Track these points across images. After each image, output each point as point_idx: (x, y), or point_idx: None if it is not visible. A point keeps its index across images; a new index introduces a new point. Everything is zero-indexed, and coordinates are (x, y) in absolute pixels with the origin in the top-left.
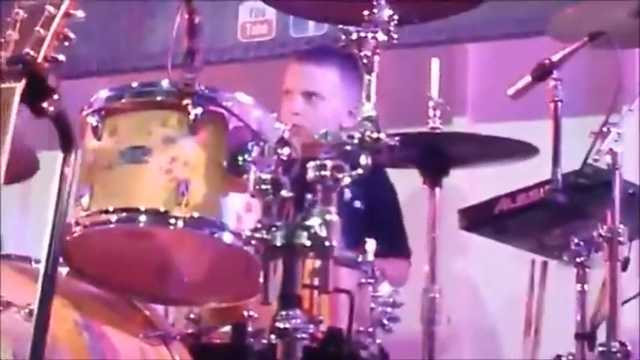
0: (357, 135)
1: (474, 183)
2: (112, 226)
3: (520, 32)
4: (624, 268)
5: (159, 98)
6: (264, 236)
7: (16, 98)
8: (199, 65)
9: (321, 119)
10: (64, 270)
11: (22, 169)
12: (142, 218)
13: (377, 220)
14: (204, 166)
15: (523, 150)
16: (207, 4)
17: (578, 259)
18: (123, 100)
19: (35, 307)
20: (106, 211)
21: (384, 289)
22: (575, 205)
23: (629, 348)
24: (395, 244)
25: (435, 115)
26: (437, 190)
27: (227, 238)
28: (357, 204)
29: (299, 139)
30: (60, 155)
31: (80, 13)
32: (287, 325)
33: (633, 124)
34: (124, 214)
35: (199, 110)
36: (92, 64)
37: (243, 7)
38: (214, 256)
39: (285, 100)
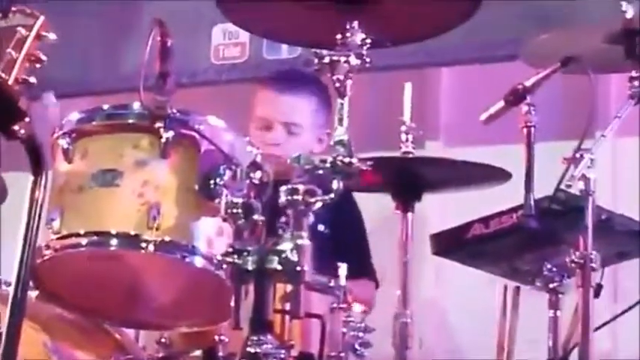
0: (330, 159)
1: (447, 208)
2: (82, 249)
3: (493, 57)
4: (597, 294)
5: (130, 121)
6: (236, 260)
7: None
8: (171, 88)
9: (299, 148)
10: (33, 293)
11: None
12: (113, 242)
13: (342, 244)
14: (175, 189)
15: (496, 175)
16: (181, 26)
17: (550, 285)
18: (94, 123)
19: (4, 330)
20: (77, 235)
21: (356, 308)
22: (547, 231)
23: None
24: (361, 267)
25: (407, 140)
26: (409, 214)
27: (198, 262)
28: (321, 227)
29: (275, 167)
30: (28, 176)
31: (52, 36)
32: (258, 350)
33: (606, 150)
34: (95, 237)
35: (171, 133)
36: (64, 85)
37: (217, 30)
38: (185, 280)
39: (259, 128)
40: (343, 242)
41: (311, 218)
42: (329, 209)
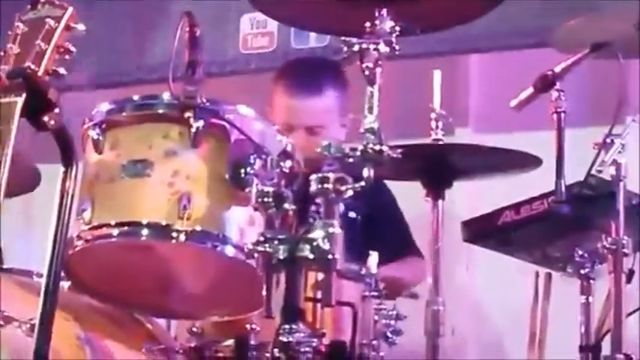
0: (360, 147)
1: (477, 195)
2: (113, 240)
3: (522, 43)
4: (629, 279)
5: (160, 111)
6: (267, 249)
7: (17, 112)
8: (201, 78)
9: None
10: (65, 284)
11: (24, 182)
12: (144, 232)
13: (377, 229)
14: (206, 179)
15: (526, 161)
16: (209, 16)
17: (582, 271)
18: (124, 113)
19: (37, 321)
20: (108, 225)
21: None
22: (579, 217)
23: None
24: (403, 246)
25: (437, 127)
26: (440, 202)
27: (229, 251)
28: (352, 214)
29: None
30: (60, 168)
31: (81, 27)
32: (290, 339)
33: (636, 135)
34: (126, 227)
35: (201, 123)
36: (94, 76)
37: (245, 19)
38: (217, 269)
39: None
40: (380, 226)
41: (341, 205)
42: (361, 197)
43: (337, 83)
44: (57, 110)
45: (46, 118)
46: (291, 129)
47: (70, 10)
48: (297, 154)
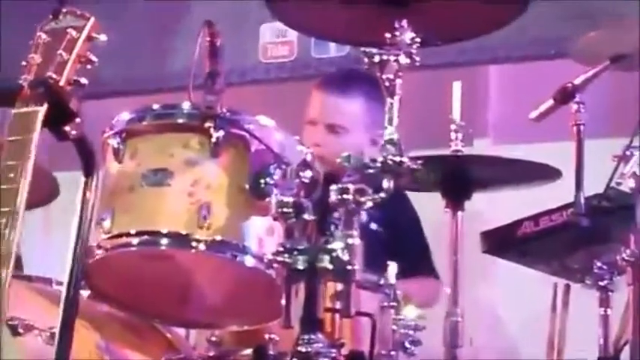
0: (380, 158)
1: (496, 206)
2: (133, 249)
3: (541, 54)
4: None
5: (180, 121)
6: (286, 260)
7: (39, 122)
8: (221, 87)
9: (342, 149)
10: (85, 293)
11: (43, 193)
12: (164, 241)
13: (398, 242)
14: (226, 189)
15: (546, 173)
16: (229, 24)
17: (600, 283)
18: (144, 123)
19: (58, 330)
20: (128, 234)
21: (410, 313)
22: (598, 229)
23: None
24: (419, 264)
25: (457, 138)
26: (459, 213)
27: (249, 261)
28: (374, 226)
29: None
30: (78, 175)
31: (103, 37)
32: (309, 349)
33: None
34: (146, 237)
35: (221, 133)
36: (113, 84)
37: (265, 28)
38: (236, 279)
39: (308, 129)
40: (400, 241)
41: (364, 217)
42: (383, 209)
43: (369, 95)
44: (78, 120)
45: (67, 128)
46: (314, 123)
47: (92, 20)
48: (317, 164)
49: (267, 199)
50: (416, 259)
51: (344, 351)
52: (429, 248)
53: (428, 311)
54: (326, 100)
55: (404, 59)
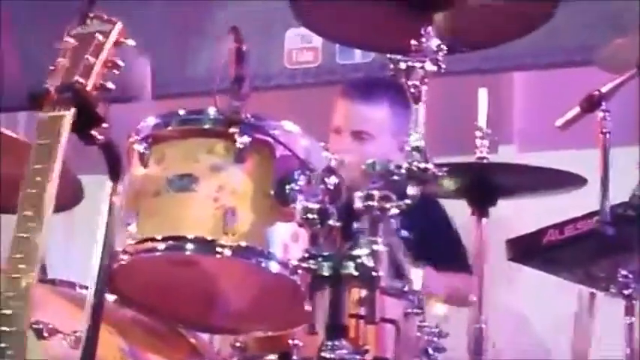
0: (405, 165)
1: (522, 213)
2: (158, 254)
3: (567, 61)
4: None
5: (206, 126)
6: (311, 266)
7: (66, 126)
8: (246, 93)
9: (369, 156)
10: (110, 297)
11: (68, 197)
12: (189, 247)
13: (433, 246)
14: (251, 194)
15: (571, 180)
16: (254, 30)
17: (625, 292)
18: (170, 128)
19: (83, 334)
20: (153, 239)
21: (438, 310)
22: (623, 237)
23: None
24: (458, 263)
25: (482, 145)
26: (484, 220)
27: (274, 267)
28: (404, 233)
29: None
30: (101, 179)
31: (130, 42)
32: (333, 355)
33: None
34: (171, 242)
35: (246, 139)
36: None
37: (290, 34)
38: (261, 285)
39: (334, 137)
40: (433, 242)
41: (394, 223)
42: (415, 216)
43: (395, 101)
44: (105, 125)
45: (94, 133)
46: (339, 131)
47: (119, 25)
48: (342, 171)
49: (292, 205)
50: (454, 259)
51: (368, 357)
52: (462, 244)
53: (452, 317)
54: (350, 107)
55: (430, 66)
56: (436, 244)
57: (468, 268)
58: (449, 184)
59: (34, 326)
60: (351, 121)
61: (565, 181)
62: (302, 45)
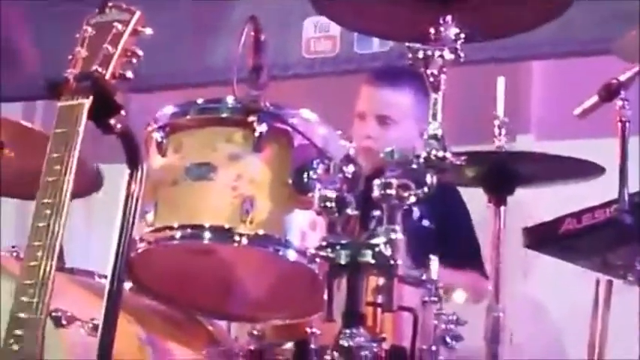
0: (423, 154)
1: (539, 202)
2: (176, 242)
3: (585, 51)
4: None
5: (224, 115)
6: (329, 254)
7: (84, 115)
8: (265, 82)
9: (392, 142)
10: (127, 286)
11: (87, 184)
12: (207, 235)
13: (448, 238)
14: (269, 183)
15: (589, 169)
16: (272, 19)
17: None
18: (188, 117)
19: (101, 322)
20: (171, 228)
21: (458, 298)
22: None
23: None
24: (469, 260)
25: (500, 134)
26: (502, 208)
27: (291, 255)
28: (426, 223)
29: (369, 160)
30: (120, 168)
31: (148, 31)
32: (350, 343)
33: None
34: (189, 230)
35: (264, 127)
36: (156, 78)
37: (308, 23)
38: (278, 273)
39: (358, 122)
40: (449, 237)
41: (416, 213)
42: (434, 204)
43: (418, 88)
44: (123, 113)
45: (112, 121)
46: (363, 116)
47: (138, 14)
48: (364, 162)
49: (310, 194)
50: (466, 255)
51: (385, 345)
52: (480, 246)
53: (470, 306)
54: (375, 92)
55: (448, 55)
56: (452, 238)
57: (481, 269)
58: (467, 172)
59: (53, 314)
60: (376, 105)
61: (583, 169)
62: (320, 34)
